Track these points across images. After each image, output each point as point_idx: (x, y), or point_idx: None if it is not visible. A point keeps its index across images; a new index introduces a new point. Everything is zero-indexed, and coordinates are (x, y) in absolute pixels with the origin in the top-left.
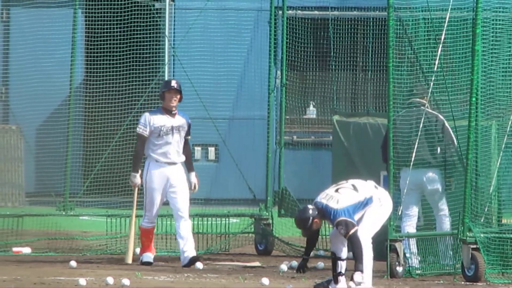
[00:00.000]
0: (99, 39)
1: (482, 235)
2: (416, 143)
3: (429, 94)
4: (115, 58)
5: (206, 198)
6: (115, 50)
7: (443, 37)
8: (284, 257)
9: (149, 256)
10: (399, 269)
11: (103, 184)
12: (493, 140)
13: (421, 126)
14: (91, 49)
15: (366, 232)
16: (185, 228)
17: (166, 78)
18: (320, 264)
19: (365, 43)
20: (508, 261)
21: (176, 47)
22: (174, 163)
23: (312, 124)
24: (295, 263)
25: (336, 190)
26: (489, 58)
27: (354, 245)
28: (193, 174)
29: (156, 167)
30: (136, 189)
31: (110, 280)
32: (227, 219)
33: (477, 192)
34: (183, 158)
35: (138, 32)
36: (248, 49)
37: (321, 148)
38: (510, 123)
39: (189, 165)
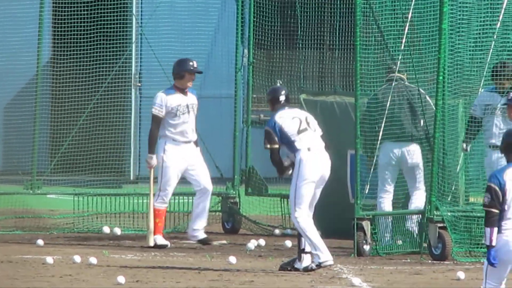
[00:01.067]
0: (66, 17)
1: (449, 213)
2: (399, 118)
3: (396, 72)
4: (82, 36)
5: None
6: (82, 28)
7: (410, 15)
8: (251, 236)
9: (163, 239)
10: (366, 247)
11: (70, 163)
12: (460, 118)
13: (397, 101)
14: (58, 27)
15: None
16: (204, 208)
17: (134, 56)
18: (288, 242)
19: (332, 22)
20: (475, 240)
21: (143, 26)
22: (190, 141)
23: None
24: (262, 241)
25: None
26: (456, 36)
27: None
28: (197, 149)
29: (174, 147)
30: (152, 170)
31: (77, 258)
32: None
33: (444, 171)
34: (195, 136)
35: (106, 10)
36: (215, 27)
37: None
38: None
39: (196, 143)
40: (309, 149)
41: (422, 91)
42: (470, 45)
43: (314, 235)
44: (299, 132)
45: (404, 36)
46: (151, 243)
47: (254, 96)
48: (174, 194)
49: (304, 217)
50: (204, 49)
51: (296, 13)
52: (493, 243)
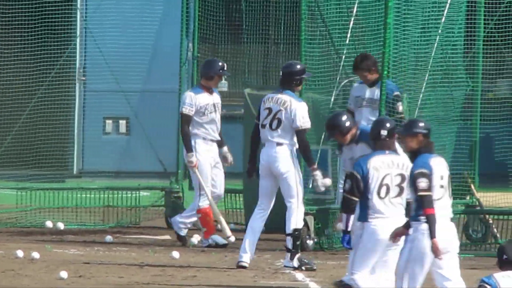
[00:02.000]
0: (10, 10)
1: None
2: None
3: (341, 67)
4: (26, 30)
5: (116, 171)
6: (26, 22)
7: (355, 10)
8: (194, 230)
9: (219, 238)
10: (309, 242)
11: (13, 157)
12: (405, 113)
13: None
14: (1, 21)
15: None
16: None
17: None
18: (231, 238)
19: (277, 16)
20: None
21: (88, 19)
22: (216, 140)
23: (224, 97)
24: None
25: None
26: (401, 31)
27: None
28: (225, 148)
29: (204, 145)
30: (196, 168)
31: (20, 253)
32: (137, 192)
33: None
34: (219, 136)
35: (50, 4)
36: (160, 21)
37: (233, 121)
38: (421, 96)
39: (221, 140)
40: None
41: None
42: (415, 40)
43: None
44: None
45: (349, 31)
46: (230, 233)
47: None
48: (116, 189)
49: None
50: (149, 43)
51: (241, 7)
52: (349, 229)
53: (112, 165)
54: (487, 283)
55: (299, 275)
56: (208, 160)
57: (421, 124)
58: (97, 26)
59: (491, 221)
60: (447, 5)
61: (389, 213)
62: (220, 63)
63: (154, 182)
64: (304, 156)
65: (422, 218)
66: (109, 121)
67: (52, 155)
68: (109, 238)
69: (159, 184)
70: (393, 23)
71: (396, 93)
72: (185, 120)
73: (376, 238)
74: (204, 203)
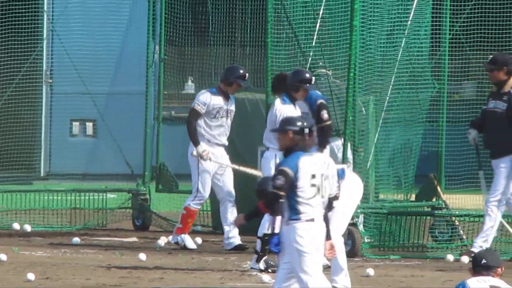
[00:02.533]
0: None
1: (358, 210)
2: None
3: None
4: None
5: (83, 173)
6: None
7: (321, 12)
8: (161, 233)
9: (190, 241)
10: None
11: None
12: (371, 115)
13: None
14: None
15: None
16: (232, 214)
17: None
18: (198, 239)
19: (243, 19)
20: (384, 237)
21: (54, 22)
22: (223, 145)
23: (190, 99)
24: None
25: None
26: (368, 33)
27: None
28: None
29: (208, 148)
30: (208, 157)
31: None
32: (104, 194)
33: (354, 168)
34: (227, 142)
35: (16, 6)
36: (126, 24)
37: None
38: (387, 98)
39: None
40: None
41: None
42: (381, 42)
43: None
44: None
45: (316, 33)
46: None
47: (165, 92)
48: (83, 191)
49: None
50: (115, 45)
51: (208, 9)
52: (276, 230)
53: (79, 167)
54: None
55: (266, 277)
56: (211, 166)
57: (294, 122)
58: (63, 29)
59: (457, 223)
60: (413, 7)
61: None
62: (241, 71)
63: (121, 184)
64: None
65: (301, 216)
66: (76, 123)
67: (19, 157)
68: (76, 240)
69: (126, 186)
70: (360, 25)
71: (320, 101)
72: (193, 115)
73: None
74: (195, 206)
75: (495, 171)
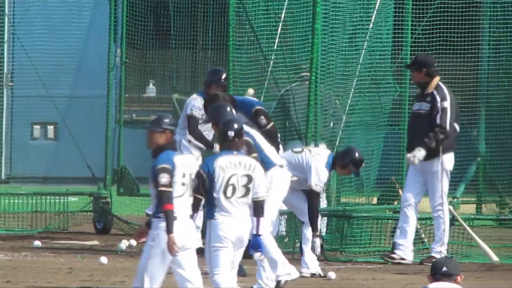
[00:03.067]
0: None
1: (320, 213)
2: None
3: (269, 72)
4: None
5: (44, 177)
6: None
7: (283, 15)
8: (122, 236)
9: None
10: None
11: None
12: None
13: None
14: None
15: None
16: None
17: (6, 57)
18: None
19: (205, 22)
20: (346, 240)
21: (15, 25)
22: (201, 149)
23: (152, 102)
24: (133, 242)
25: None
26: (329, 36)
27: None
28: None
29: (186, 149)
30: None
31: None
32: (65, 197)
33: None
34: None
35: None
36: (88, 27)
37: None
38: (349, 101)
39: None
40: None
41: (331, 92)
42: (343, 45)
43: None
44: None
45: (277, 36)
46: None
47: (127, 96)
48: (44, 194)
49: None
50: (76, 48)
51: (169, 12)
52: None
53: (40, 170)
54: None
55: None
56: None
57: (169, 121)
58: (24, 32)
59: (419, 226)
60: (375, 11)
61: (235, 212)
62: (222, 74)
63: (82, 187)
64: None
65: (162, 215)
66: (37, 127)
67: None
68: (37, 243)
69: (87, 189)
70: (321, 28)
71: (256, 107)
72: (193, 122)
73: (218, 234)
74: None
75: (429, 174)
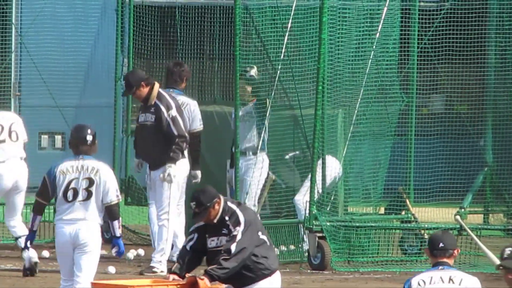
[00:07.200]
0: None
1: (328, 223)
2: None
3: (275, 82)
4: None
5: None
6: None
7: (289, 25)
8: (130, 245)
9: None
10: None
11: None
12: (340, 128)
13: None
14: None
15: None
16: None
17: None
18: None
19: (212, 32)
20: (353, 250)
21: (23, 35)
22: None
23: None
24: (141, 251)
25: None
26: (336, 46)
27: None
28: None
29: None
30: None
31: None
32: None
33: (323, 181)
34: None
35: None
36: (95, 36)
37: None
38: (356, 112)
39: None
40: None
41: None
42: (350, 55)
43: None
44: None
45: (284, 46)
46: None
47: (134, 105)
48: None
49: None
50: (84, 58)
51: (176, 22)
52: (34, 228)
53: None
54: None
55: None
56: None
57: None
58: (32, 42)
59: (426, 236)
60: (381, 20)
61: (76, 216)
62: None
63: None
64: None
65: None
66: (44, 136)
67: None
68: (45, 253)
69: None
70: (328, 38)
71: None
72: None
73: (58, 240)
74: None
75: (156, 183)
